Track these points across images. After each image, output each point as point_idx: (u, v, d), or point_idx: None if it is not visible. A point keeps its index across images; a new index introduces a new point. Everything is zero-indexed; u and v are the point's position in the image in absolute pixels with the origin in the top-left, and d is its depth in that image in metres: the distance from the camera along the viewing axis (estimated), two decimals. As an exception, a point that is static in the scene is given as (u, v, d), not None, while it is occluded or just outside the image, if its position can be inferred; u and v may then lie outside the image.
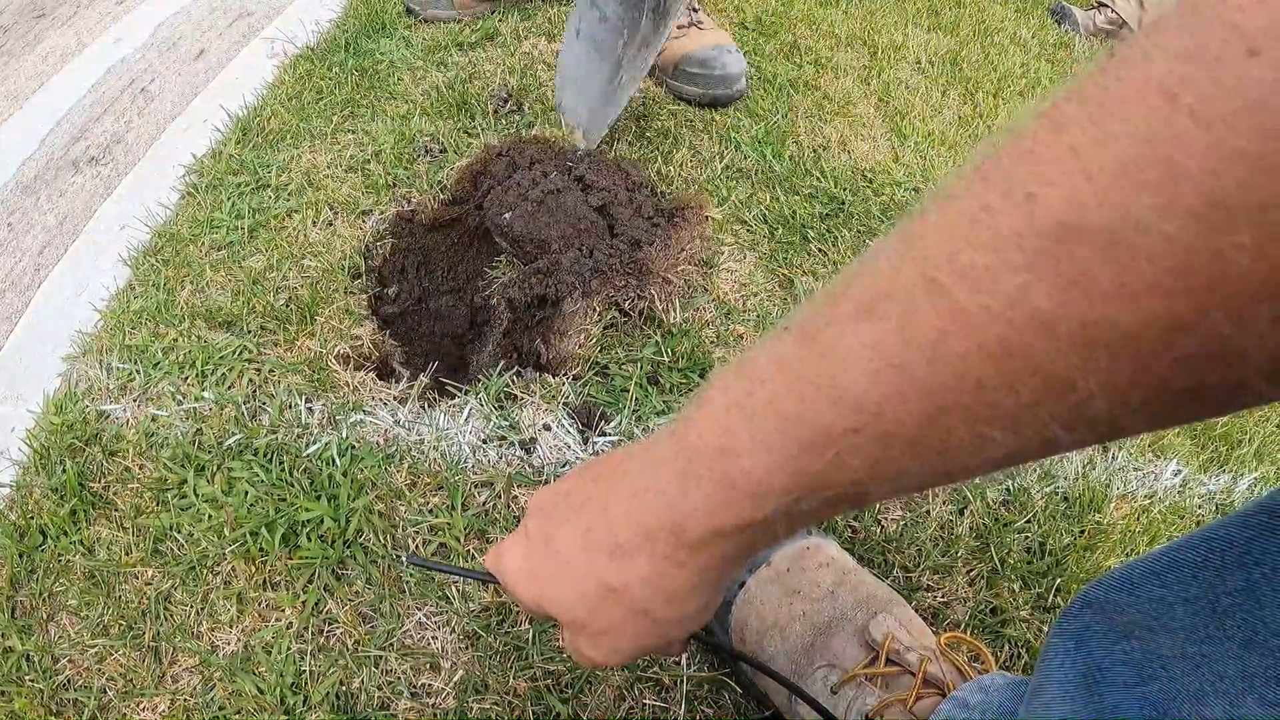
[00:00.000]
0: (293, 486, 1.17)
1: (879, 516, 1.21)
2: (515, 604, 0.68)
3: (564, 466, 1.22)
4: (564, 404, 1.29)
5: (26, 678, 1.05)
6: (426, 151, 1.67)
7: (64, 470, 1.20)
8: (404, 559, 0.95)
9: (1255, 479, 1.37)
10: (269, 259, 1.47)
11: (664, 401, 1.30)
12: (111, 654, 1.06)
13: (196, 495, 1.17)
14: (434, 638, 1.07)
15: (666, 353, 1.35)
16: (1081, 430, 0.35)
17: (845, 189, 1.74)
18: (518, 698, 1.02)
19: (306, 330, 1.36)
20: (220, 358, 1.32)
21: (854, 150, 1.88)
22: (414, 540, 1.13)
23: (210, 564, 1.11)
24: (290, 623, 1.07)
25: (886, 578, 1.14)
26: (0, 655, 1.07)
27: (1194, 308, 0.30)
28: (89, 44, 2.18)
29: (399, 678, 1.03)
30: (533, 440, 1.23)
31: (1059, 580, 1.16)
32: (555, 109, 1.63)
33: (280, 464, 1.19)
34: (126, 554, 1.13)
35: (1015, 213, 0.33)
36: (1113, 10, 3.07)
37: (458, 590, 1.10)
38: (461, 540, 1.13)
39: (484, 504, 1.17)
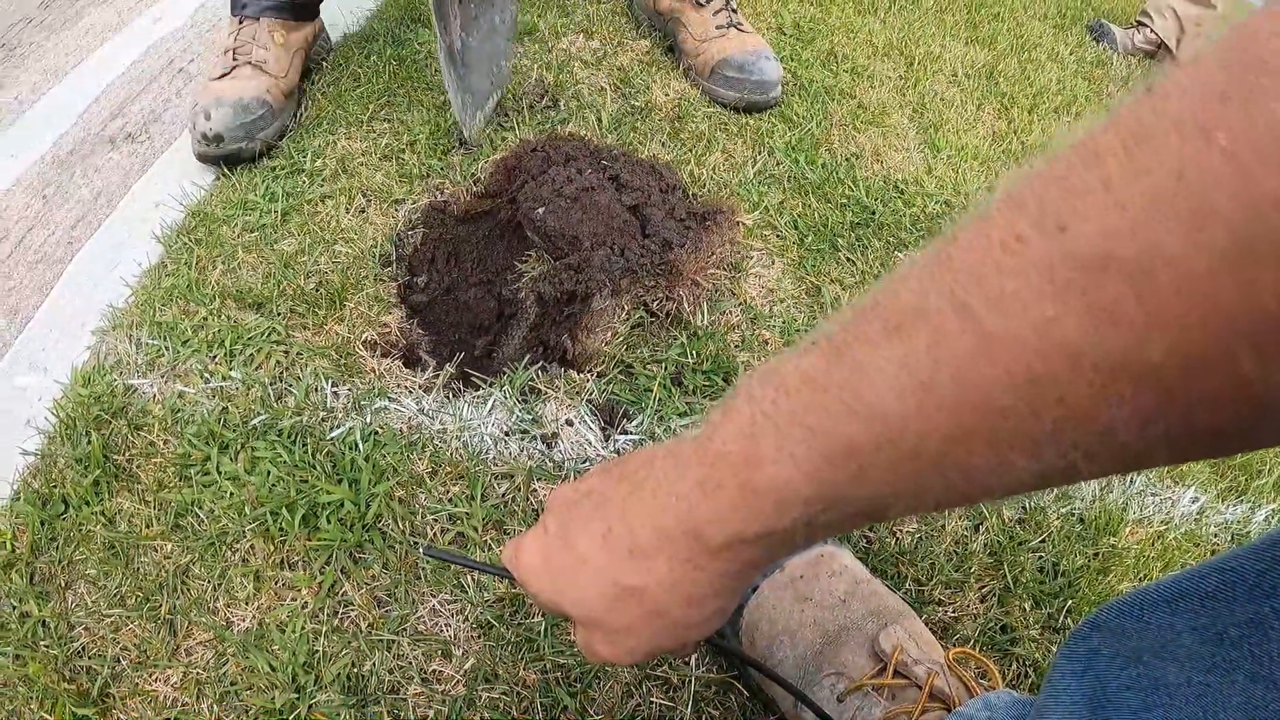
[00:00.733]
0: (315, 469, 1.21)
1: (894, 529, 1.24)
2: (530, 599, 0.70)
3: (585, 463, 1.26)
4: (587, 400, 1.33)
5: (42, 643, 1.09)
6: (462, 144, 1.72)
7: (89, 442, 1.25)
8: (421, 548, 1.00)
9: (1273, 510, 1.39)
10: (300, 243, 1.52)
11: (686, 403, 1.34)
12: (127, 624, 1.10)
13: (219, 473, 1.21)
14: (447, 625, 1.11)
15: (691, 355, 1.39)
16: (1103, 460, 0.37)
17: (876, 199, 1.78)
18: (526, 689, 1.06)
19: (335, 315, 1.41)
20: (249, 338, 1.36)
21: (887, 160, 1.92)
22: (432, 528, 1.18)
23: (229, 541, 1.16)
24: (305, 603, 1.11)
25: (899, 589, 1.17)
26: (17, 620, 1.12)
27: (1220, 344, 0.31)
28: (129, 22, 2.24)
29: (410, 663, 1.07)
30: (555, 435, 1.27)
31: (1070, 602, 1.19)
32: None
33: (304, 446, 1.24)
34: (147, 527, 1.18)
35: (1047, 242, 0.34)
36: (1151, 30, 3.09)
37: (473, 580, 1.14)
38: (479, 531, 1.17)
39: (503, 495, 1.21)
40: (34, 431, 1.31)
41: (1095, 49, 3.01)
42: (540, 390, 1.33)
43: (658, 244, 1.44)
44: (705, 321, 1.44)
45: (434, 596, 1.12)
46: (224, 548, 1.16)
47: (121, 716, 1.05)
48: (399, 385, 1.33)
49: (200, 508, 1.19)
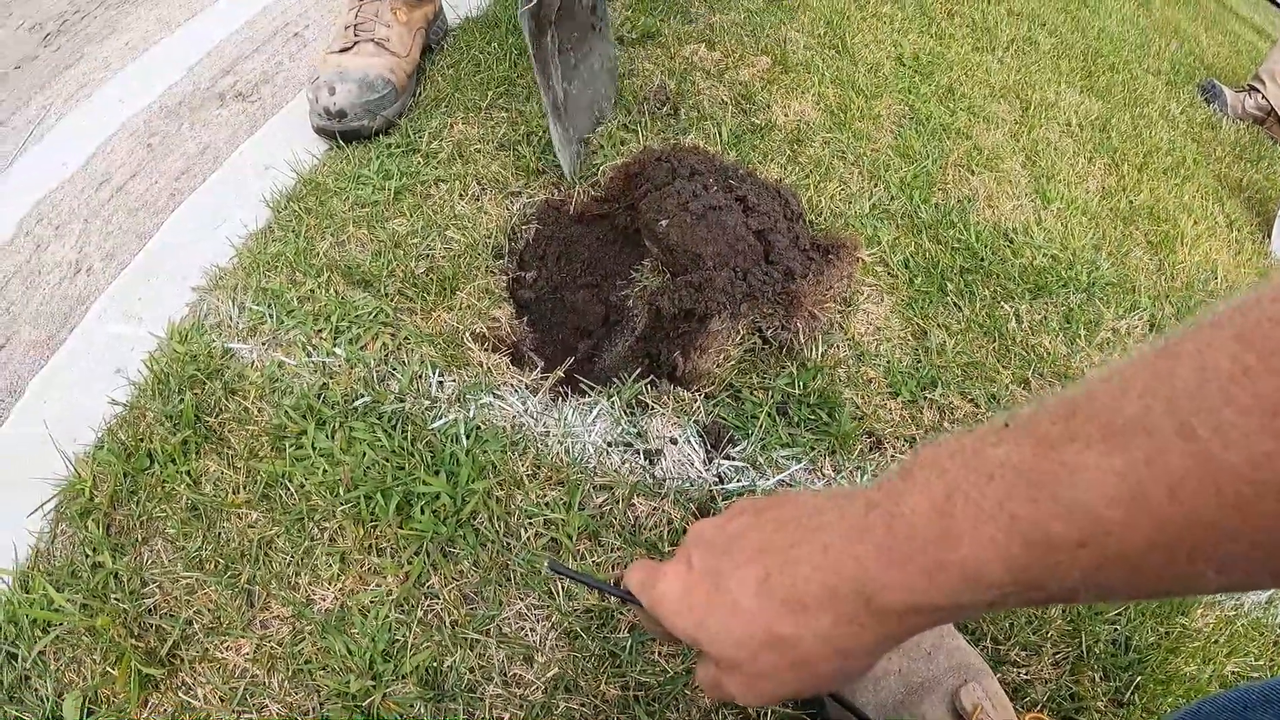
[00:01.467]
0: (414, 457, 1.23)
1: None
2: (652, 630, 0.73)
3: (686, 482, 1.27)
4: (694, 420, 1.33)
5: (113, 595, 1.11)
6: (562, 176, 1.74)
7: (182, 400, 1.27)
8: (546, 564, 1.02)
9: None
10: (413, 224, 1.54)
11: (790, 434, 1.34)
12: (204, 588, 1.12)
13: (314, 449, 1.23)
14: (532, 630, 1.11)
15: (799, 386, 1.40)
16: None
17: (986, 245, 1.78)
18: (605, 703, 1.07)
19: (445, 303, 1.43)
20: (356, 316, 1.38)
21: (999, 207, 1.92)
22: (527, 531, 1.18)
23: (318, 519, 1.17)
24: (390, 591, 1.12)
25: (977, 645, 1.17)
26: (89, 569, 1.14)
27: None
28: (246, -20, 2.28)
29: (492, 664, 1.08)
30: (658, 451, 1.28)
31: (1139, 678, 1.19)
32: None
33: (404, 433, 1.25)
34: (234, 493, 1.19)
35: (1273, 381, 0.37)
36: (1263, 96, 3.08)
37: (561, 588, 1.14)
38: (574, 539, 1.18)
39: (601, 506, 1.22)
40: (124, 381, 1.33)
41: (1206, 110, 3.01)
42: (647, 404, 1.34)
43: (780, 272, 1.45)
44: (818, 355, 1.44)
45: (521, 600, 1.13)
46: (312, 524, 1.17)
47: (188, 680, 1.06)
48: (505, 382, 1.35)
49: (291, 481, 1.20)
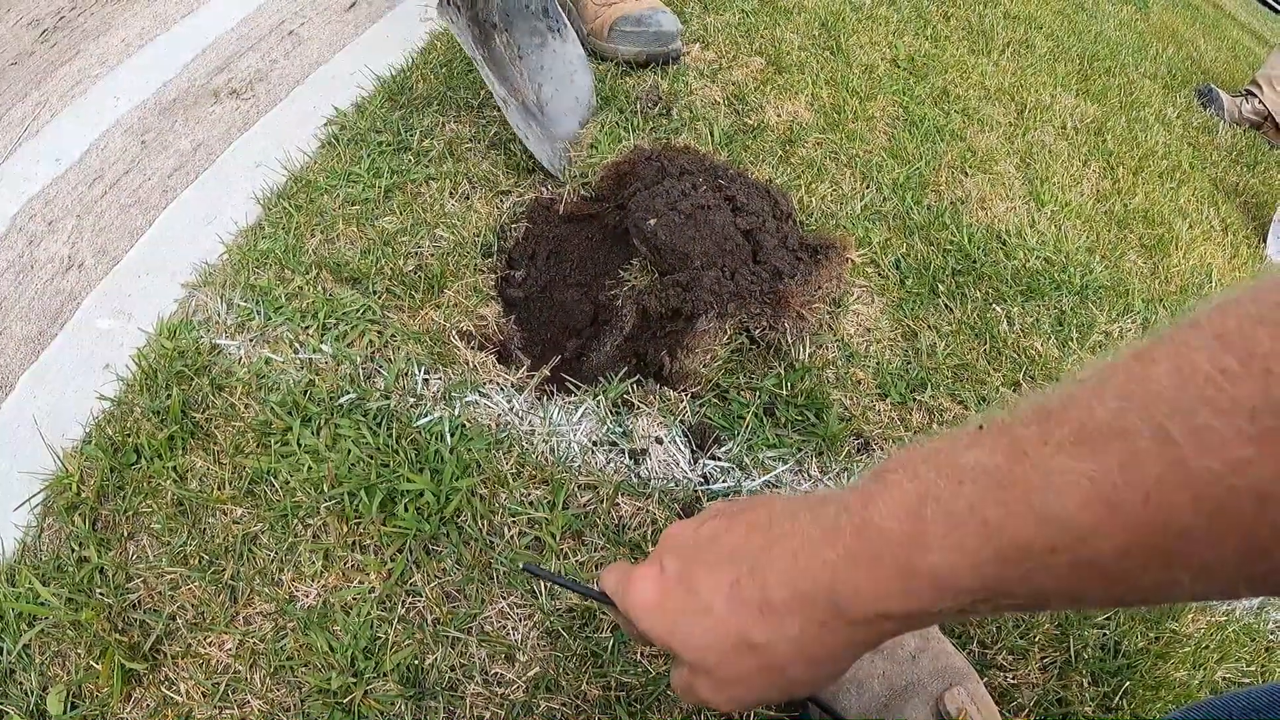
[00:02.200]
0: (398, 454, 1.23)
1: None
2: (629, 631, 0.72)
3: (671, 483, 1.26)
4: (680, 420, 1.33)
5: (98, 590, 1.11)
6: (548, 176, 1.73)
7: (169, 395, 1.27)
8: (521, 565, 1.02)
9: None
10: (402, 222, 1.54)
11: (777, 435, 1.34)
12: (187, 583, 1.12)
13: (299, 445, 1.23)
14: (514, 629, 1.11)
15: (786, 387, 1.39)
16: (1264, 589, 0.39)
17: (978, 247, 1.78)
18: (586, 703, 1.07)
19: (433, 301, 1.42)
20: (343, 313, 1.38)
21: (992, 209, 1.92)
22: (510, 529, 1.18)
23: (303, 515, 1.17)
24: (373, 588, 1.12)
25: (963, 649, 1.17)
26: (75, 563, 1.14)
27: None
28: (243, -23, 2.28)
29: (473, 662, 1.08)
30: (644, 451, 1.28)
31: (1128, 684, 1.19)
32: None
33: (389, 430, 1.25)
34: (219, 489, 1.19)
35: (1252, 384, 0.36)
36: (1260, 101, 3.09)
37: (544, 588, 1.14)
38: (557, 538, 1.18)
39: (585, 506, 1.22)
40: (112, 377, 1.33)
41: (1202, 114, 3.02)
42: (633, 404, 1.34)
43: (768, 272, 1.45)
44: (805, 355, 1.44)
45: (504, 598, 1.13)
46: (296, 521, 1.17)
47: (171, 675, 1.06)
48: (491, 380, 1.35)
49: (276, 478, 1.20)
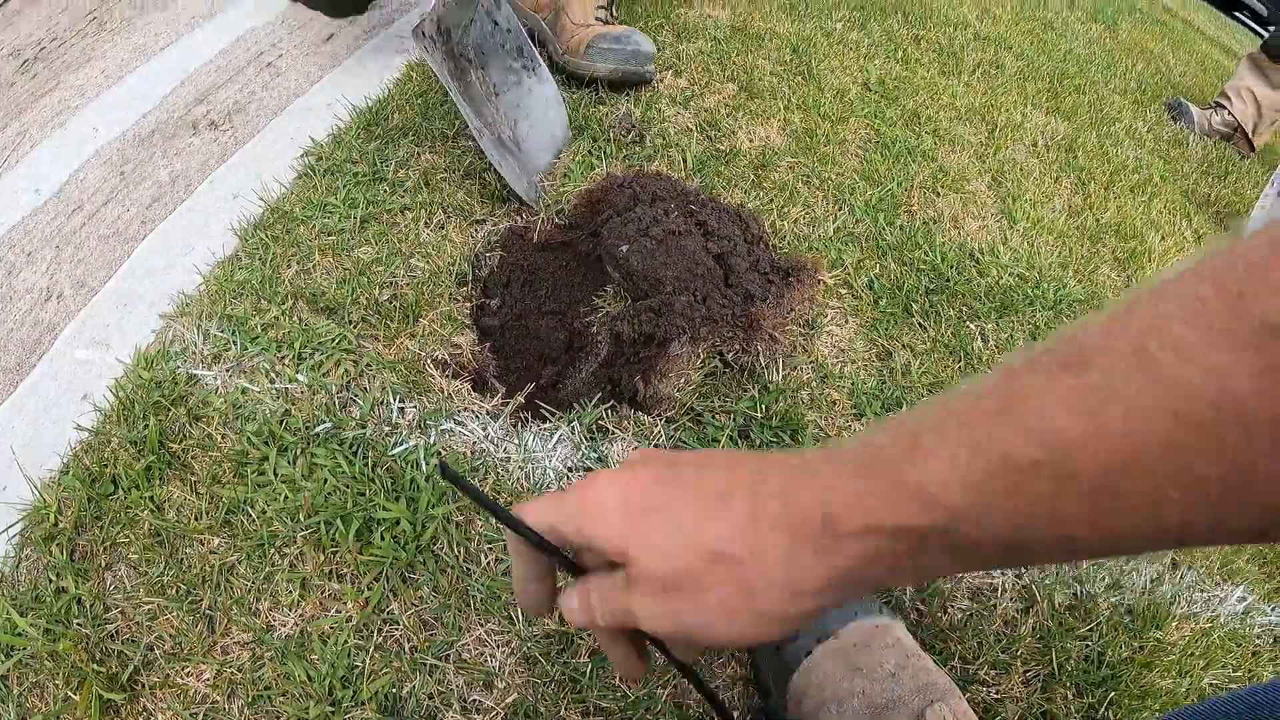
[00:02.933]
0: (374, 483, 1.23)
1: (945, 604, 1.25)
2: (567, 544, 0.63)
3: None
4: (655, 444, 1.34)
5: (75, 620, 1.11)
6: (522, 203, 1.74)
7: (146, 426, 1.27)
8: (437, 464, 0.98)
9: (1319, 613, 1.41)
10: (378, 252, 1.55)
11: (752, 459, 1.34)
12: (165, 613, 1.12)
13: (276, 475, 1.23)
14: (492, 656, 1.11)
15: (761, 409, 1.40)
16: (1258, 519, 0.39)
17: (952, 266, 1.79)
18: (565, 730, 1.07)
19: (408, 330, 1.43)
20: (319, 343, 1.39)
21: (964, 227, 1.94)
22: (487, 555, 1.19)
23: (279, 544, 1.17)
24: (350, 616, 1.12)
25: (945, 665, 1.18)
26: (53, 594, 1.13)
27: None
28: (221, 10, 2.29)
29: (451, 689, 1.08)
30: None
31: (1112, 694, 1.20)
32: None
33: (365, 459, 1.25)
34: (196, 519, 1.19)
35: (1226, 307, 0.37)
36: (1229, 113, 3.13)
37: (522, 615, 1.14)
38: (534, 564, 1.18)
39: (560, 532, 1.22)
40: (90, 408, 1.33)
41: (1173, 128, 3.06)
42: (608, 429, 1.35)
43: (740, 295, 1.46)
44: (779, 377, 1.45)
45: (481, 625, 1.13)
46: (273, 550, 1.17)
47: (149, 705, 1.06)
48: (466, 408, 1.35)
49: (252, 507, 1.20)
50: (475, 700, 1.08)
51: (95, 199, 1.70)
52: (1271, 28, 5.83)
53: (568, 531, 0.60)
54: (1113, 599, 1.31)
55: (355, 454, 1.26)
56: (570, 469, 1.29)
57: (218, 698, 1.06)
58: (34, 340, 1.45)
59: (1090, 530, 0.43)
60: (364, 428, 1.29)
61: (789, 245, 1.71)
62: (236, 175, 1.76)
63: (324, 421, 1.29)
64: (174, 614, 1.12)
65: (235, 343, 1.38)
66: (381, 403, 1.33)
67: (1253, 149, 3.19)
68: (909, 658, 1.06)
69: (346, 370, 1.36)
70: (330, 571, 1.16)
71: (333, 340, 1.39)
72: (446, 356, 1.41)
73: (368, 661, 1.09)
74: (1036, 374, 0.44)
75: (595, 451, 1.32)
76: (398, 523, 1.19)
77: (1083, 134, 2.63)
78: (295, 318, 1.42)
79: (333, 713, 1.04)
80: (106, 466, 1.24)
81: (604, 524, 0.57)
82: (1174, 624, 1.31)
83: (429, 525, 1.19)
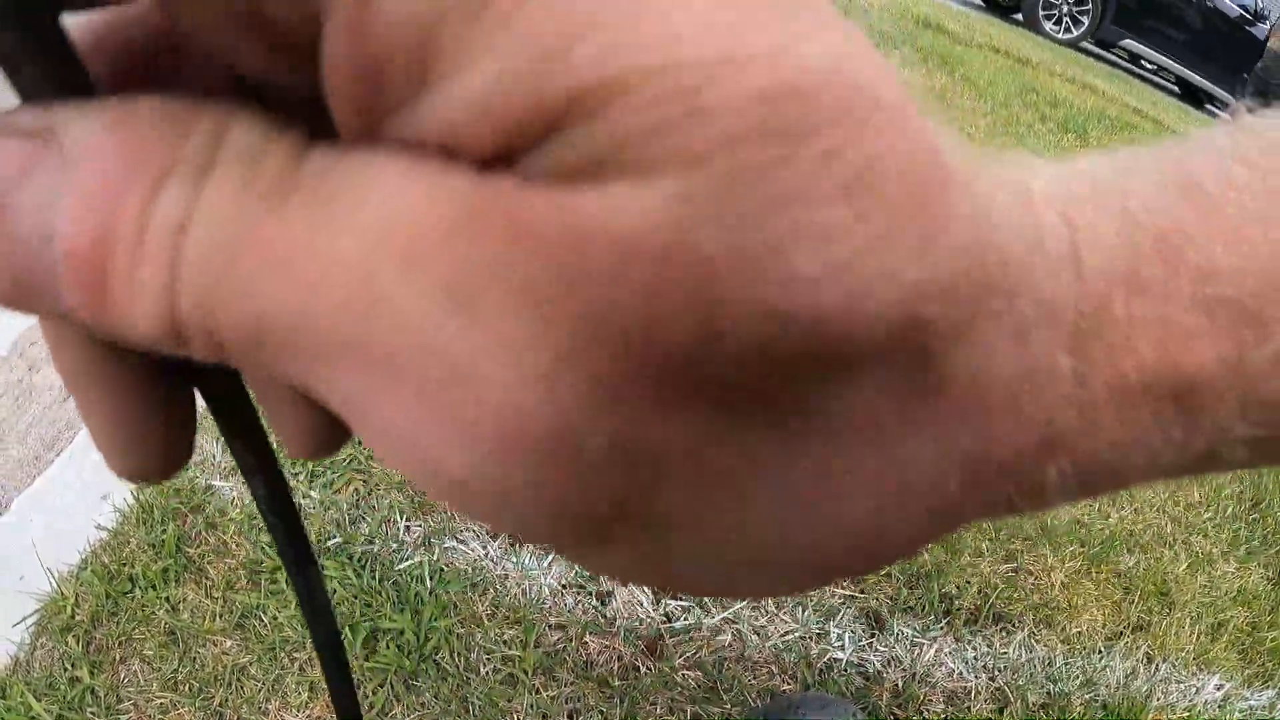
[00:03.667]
0: (380, 595, 1.31)
1: (921, 707, 1.35)
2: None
3: (636, 621, 1.37)
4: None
5: (89, 709, 1.18)
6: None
7: (165, 530, 1.35)
8: None
9: (1301, 695, 1.48)
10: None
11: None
12: (177, 708, 1.19)
13: (287, 584, 1.31)
14: (487, 761, 1.19)
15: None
16: None
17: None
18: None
19: (415, 452, 1.52)
20: (331, 462, 1.48)
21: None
22: (485, 666, 1.27)
23: (290, 649, 1.25)
24: None
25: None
26: (67, 682, 1.20)
27: None
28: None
29: (448, 792, 1.16)
30: (609, 593, 1.38)
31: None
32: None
33: (372, 572, 1.34)
34: (210, 621, 1.27)
35: None
36: None
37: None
38: (530, 675, 1.27)
39: (555, 644, 1.32)
40: (110, 508, 1.41)
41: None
42: (600, 550, 1.44)
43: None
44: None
45: (477, 732, 1.21)
46: (283, 654, 1.25)
47: (158, 798, 1.12)
48: (467, 527, 1.44)
49: (265, 613, 1.28)
50: (471, 802, 1.16)
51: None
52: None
53: None
54: (1086, 696, 1.40)
55: (363, 567, 1.35)
56: (564, 586, 1.39)
57: (227, 791, 1.13)
58: (53, 437, 1.52)
59: None
60: (372, 543, 1.38)
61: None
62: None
63: (334, 536, 1.38)
64: (186, 709, 1.18)
65: (251, 457, 1.47)
66: (389, 520, 1.42)
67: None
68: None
69: (356, 489, 1.45)
70: (338, 676, 1.23)
71: (343, 460, 1.48)
72: (450, 479, 1.50)
73: (371, 762, 1.16)
74: None
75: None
76: (402, 633, 1.28)
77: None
78: (309, 436, 1.51)
79: (337, 810, 1.11)
80: (125, 565, 1.31)
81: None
82: (1150, 716, 1.39)
83: (432, 636, 1.28)
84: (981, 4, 8.81)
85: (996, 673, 1.40)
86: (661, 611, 1.39)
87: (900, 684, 1.35)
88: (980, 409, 0.17)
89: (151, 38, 0.20)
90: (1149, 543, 1.65)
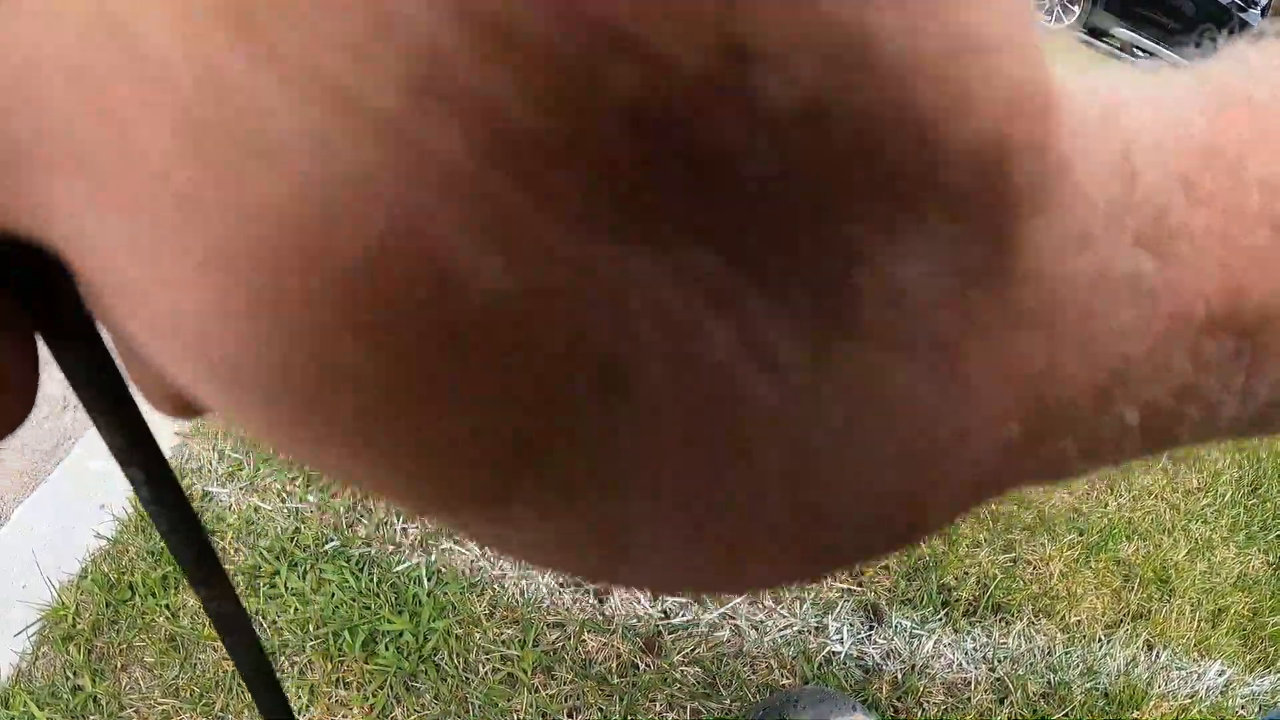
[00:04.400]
0: (379, 597, 1.32)
1: (921, 700, 1.34)
2: None
3: (633, 619, 1.37)
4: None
5: (91, 717, 1.18)
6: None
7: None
8: None
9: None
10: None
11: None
12: (179, 715, 1.19)
13: (286, 588, 1.31)
14: (487, 761, 1.19)
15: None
16: None
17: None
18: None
19: (411, 454, 1.52)
20: (327, 465, 1.47)
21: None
22: (485, 665, 1.27)
23: (290, 653, 1.25)
24: (356, 721, 1.20)
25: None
26: (69, 691, 1.20)
27: None
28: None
29: (449, 792, 1.16)
30: (607, 591, 1.38)
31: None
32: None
33: (370, 575, 1.34)
34: (210, 627, 1.26)
35: None
36: None
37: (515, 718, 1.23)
38: (529, 673, 1.27)
39: (554, 642, 1.32)
40: (109, 517, 1.41)
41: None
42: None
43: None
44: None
45: (477, 732, 1.21)
46: (283, 658, 1.25)
47: (162, 803, 1.12)
48: (465, 529, 1.44)
49: (264, 617, 1.28)
50: (472, 802, 1.16)
51: (110, 317, 1.79)
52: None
53: None
54: (1087, 685, 1.40)
55: (361, 570, 1.35)
56: (562, 584, 1.39)
57: (229, 796, 1.13)
58: (50, 447, 1.52)
59: None
60: (369, 546, 1.38)
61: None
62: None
63: (332, 539, 1.38)
64: (187, 715, 1.18)
65: (248, 463, 1.47)
66: (386, 523, 1.42)
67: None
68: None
69: (352, 492, 1.45)
70: (338, 679, 1.23)
71: (340, 463, 1.48)
72: (446, 480, 1.50)
73: (372, 764, 1.16)
74: None
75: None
76: (401, 634, 1.28)
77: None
78: (306, 441, 1.51)
79: (339, 812, 1.11)
80: (124, 574, 1.31)
81: None
82: (1151, 704, 1.38)
83: (430, 637, 1.28)
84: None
85: (996, 663, 1.40)
86: (660, 608, 1.39)
87: (900, 676, 1.34)
88: (1048, 324, 0.13)
89: None
90: (1148, 530, 1.64)
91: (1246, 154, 0.16)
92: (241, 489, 1.44)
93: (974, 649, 1.39)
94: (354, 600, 1.31)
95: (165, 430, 1.54)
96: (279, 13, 0.08)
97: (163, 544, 1.31)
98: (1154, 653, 1.48)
